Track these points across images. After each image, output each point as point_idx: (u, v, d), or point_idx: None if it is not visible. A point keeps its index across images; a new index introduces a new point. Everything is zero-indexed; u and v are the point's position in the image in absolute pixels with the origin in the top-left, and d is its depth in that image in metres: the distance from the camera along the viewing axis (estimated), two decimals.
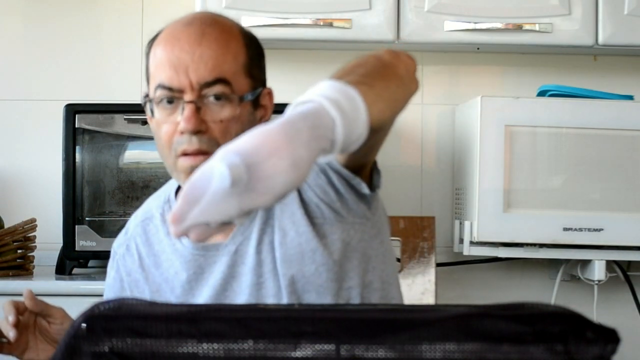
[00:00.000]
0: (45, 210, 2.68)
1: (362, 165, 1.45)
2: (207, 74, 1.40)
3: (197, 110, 1.39)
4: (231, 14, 2.54)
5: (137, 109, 2.58)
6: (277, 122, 1.03)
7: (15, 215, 2.65)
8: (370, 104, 1.12)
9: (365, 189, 1.45)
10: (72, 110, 2.52)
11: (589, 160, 2.49)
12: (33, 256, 2.58)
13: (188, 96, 1.40)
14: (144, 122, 2.53)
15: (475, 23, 2.57)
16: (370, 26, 2.55)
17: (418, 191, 2.85)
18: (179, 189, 1.56)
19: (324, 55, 2.82)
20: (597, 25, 2.58)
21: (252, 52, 1.47)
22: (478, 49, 2.76)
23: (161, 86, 1.42)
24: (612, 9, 2.57)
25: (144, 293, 1.54)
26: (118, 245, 1.60)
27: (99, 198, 2.54)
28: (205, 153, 1.38)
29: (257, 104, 1.47)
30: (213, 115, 1.40)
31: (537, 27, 2.57)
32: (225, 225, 1.00)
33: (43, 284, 2.42)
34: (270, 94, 1.50)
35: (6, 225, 2.58)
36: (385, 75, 1.27)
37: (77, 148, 2.52)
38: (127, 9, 2.85)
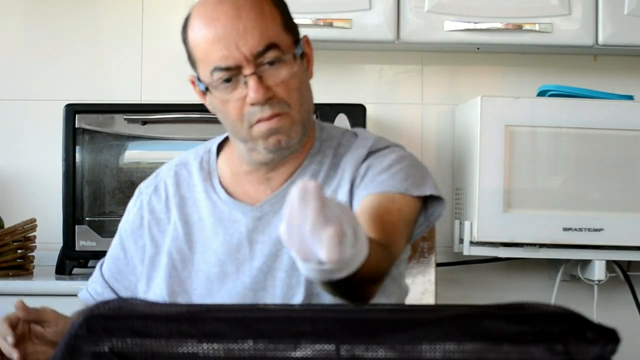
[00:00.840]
0: (45, 210, 2.68)
1: None
2: (256, 43, 1.45)
3: (260, 79, 1.45)
4: None
5: (137, 109, 2.60)
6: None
7: (15, 215, 2.65)
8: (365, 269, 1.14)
9: None
10: (72, 110, 2.52)
11: (589, 160, 2.49)
12: (33, 256, 2.58)
13: (247, 70, 1.45)
14: (144, 122, 2.53)
15: (475, 23, 2.57)
16: (370, 26, 2.55)
17: None
18: (222, 143, 1.63)
19: (324, 55, 2.82)
20: (597, 25, 2.58)
21: (282, 7, 1.52)
22: (478, 49, 2.76)
23: (217, 68, 1.46)
24: (612, 9, 2.57)
25: (165, 232, 1.59)
26: (145, 186, 1.66)
27: (99, 198, 2.54)
28: (278, 115, 1.46)
29: (302, 54, 1.53)
30: (274, 79, 1.46)
31: (537, 27, 2.57)
32: None
33: (43, 284, 2.42)
34: (308, 40, 1.56)
35: (6, 225, 2.58)
36: (383, 259, 1.32)
37: (77, 148, 2.52)
38: (127, 9, 2.85)
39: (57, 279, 2.50)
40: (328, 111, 2.47)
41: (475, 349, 0.91)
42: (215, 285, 1.53)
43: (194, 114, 2.50)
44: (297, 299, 1.50)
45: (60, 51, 2.85)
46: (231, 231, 1.54)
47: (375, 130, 2.81)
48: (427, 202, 1.52)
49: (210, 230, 1.55)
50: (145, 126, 2.53)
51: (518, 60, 2.86)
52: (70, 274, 2.54)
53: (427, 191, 1.49)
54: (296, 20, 2.51)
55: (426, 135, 2.86)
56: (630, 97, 2.61)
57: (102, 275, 1.68)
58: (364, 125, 2.53)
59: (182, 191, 1.60)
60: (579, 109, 2.48)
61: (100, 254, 2.49)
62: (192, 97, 2.78)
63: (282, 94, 1.46)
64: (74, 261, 2.55)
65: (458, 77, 2.87)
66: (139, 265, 1.61)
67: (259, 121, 1.46)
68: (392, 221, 1.41)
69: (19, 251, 2.55)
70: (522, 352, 0.91)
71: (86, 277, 2.52)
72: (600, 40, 2.58)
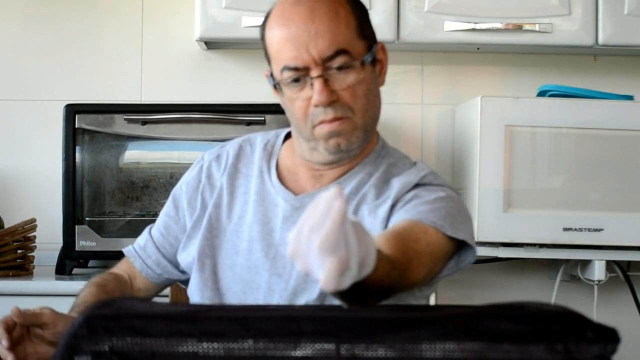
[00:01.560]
0: (45, 210, 2.68)
1: None
2: (326, 48, 1.47)
3: (326, 82, 1.48)
4: (231, 14, 2.55)
5: (137, 109, 2.59)
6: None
7: (15, 215, 2.65)
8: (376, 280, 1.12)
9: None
10: (72, 110, 2.52)
11: (589, 160, 2.49)
12: (33, 256, 2.57)
13: (314, 72, 1.48)
14: (144, 122, 2.53)
15: (475, 23, 2.57)
16: None
17: None
18: (288, 134, 1.66)
19: None
20: (597, 25, 2.58)
21: (360, 14, 1.53)
22: (478, 49, 2.76)
23: (287, 68, 1.49)
24: (612, 9, 2.57)
25: (212, 195, 1.64)
26: (209, 154, 1.70)
27: (99, 198, 2.54)
28: (340, 118, 1.49)
29: (375, 60, 1.54)
30: (340, 83, 1.49)
31: (537, 27, 2.57)
32: None
33: (43, 284, 2.42)
34: (383, 48, 1.58)
35: (6, 225, 2.58)
36: (406, 276, 1.33)
37: (77, 148, 2.52)
38: (127, 10, 2.85)
39: (57, 279, 2.50)
40: None
41: (475, 348, 0.91)
42: (239, 258, 1.58)
43: (194, 114, 2.50)
44: (312, 293, 1.52)
45: (61, 51, 2.85)
46: (270, 214, 1.58)
47: None
48: (462, 248, 1.52)
49: (252, 207, 1.60)
50: (145, 126, 2.53)
51: (518, 60, 2.86)
52: (70, 274, 2.54)
53: (462, 235, 1.49)
54: None
55: (426, 135, 2.86)
56: (630, 97, 2.61)
57: (149, 231, 1.73)
58: None
59: (240, 165, 1.65)
60: (579, 109, 2.48)
61: (100, 254, 2.52)
62: (192, 97, 2.79)
63: (346, 98, 1.49)
64: (74, 261, 2.55)
65: (458, 77, 2.87)
66: (189, 223, 1.66)
67: (321, 122, 1.50)
68: (417, 250, 1.41)
69: (19, 251, 2.55)
70: (522, 351, 0.91)
71: (86, 277, 2.53)
72: (600, 40, 2.58)
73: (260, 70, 2.83)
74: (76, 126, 2.51)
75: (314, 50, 1.46)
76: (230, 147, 1.69)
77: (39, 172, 2.81)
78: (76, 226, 2.50)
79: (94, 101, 2.70)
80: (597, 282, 2.57)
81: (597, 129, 2.48)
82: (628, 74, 2.86)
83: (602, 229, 2.47)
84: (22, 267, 2.53)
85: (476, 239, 2.47)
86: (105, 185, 2.55)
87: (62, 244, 2.53)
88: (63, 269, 2.55)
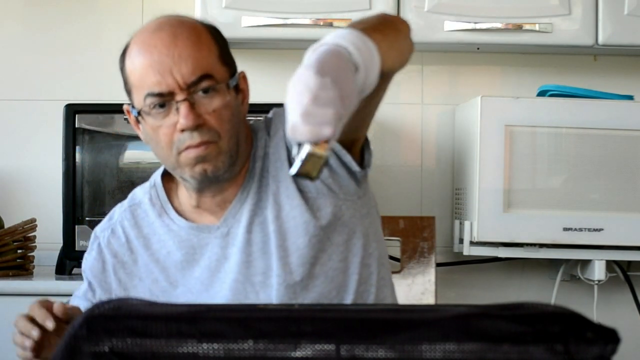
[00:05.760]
0: (45, 210, 2.68)
1: (354, 141, 1.52)
2: (190, 72, 1.45)
3: (192, 106, 1.45)
4: (231, 14, 2.55)
5: None
6: (307, 63, 1.21)
7: (15, 215, 2.65)
8: (383, 52, 1.24)
9: (355, 166, 1.52)
10: (72, 110, 2.52)
11: (589, 160, 2.49)
12: (33, 256, 2.58)
13: (179, 96, 1.45)
14: None
15: (475, 23, 2.57)
16: None
17: (418, 191, 2.85)
18: (165, 174, 1.63)
19: None
20: (597, 25, 2.58)
21: (221, 42, 1.53)
22: (478, 49, 2.76)
23: (150, 94, 1.47)
24: (612, 9, 2.57)
25: (132, 275, 1.59)
26: (101, 230, 1.64)
27: (99, 198, 2.54)
28: (207, 143, 1.47)
29: (237, 88, 1.54)
30: (206, 107, 1.47)
31: (537, 27, 2.57)
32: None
33: (43, 284, 2.42)
34: (245, 77, 1.57)
35: (6, 225, 2.58)
36: (394, 29, 1.38)
37: (77, 148, 2.52)
38: (127, 10, 2.85)
39: (57, 279, 2.50)
40: None
41: (475, 349, 0.91)
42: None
43: None
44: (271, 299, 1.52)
45: (61, 51, 2.85)
46: (207, 255, 1.55)
47: (375, 130, 2.81)
48: None
49: (185, 261, 1.56)
50: None
51: (518, 60, 2.86)
52: (70, 274, 2.54)
53: None
54: (296, 21, 2.54)
55: (426, 135, 2.86)
56: (630, 97, 2.61)
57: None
58: None
59: (145, 231, 1.60)
60: (579, 109, 2.48)
61: None
62: None
63: (212, 122, 1.47)
64: (74, 261, 2.55)
65: (458, 77, 2.87)
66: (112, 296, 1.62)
67: (187, 148, 1.47)
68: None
69: (19, 251, 2.55)
70: (522, 352, 0.91)
71: None
72: (600, 40, 2.58)
73: (261, 70, 2.84)
74: (76, 126, 2.51)
75: (178, 75, 1.44)
76: (121, 218, 1.63)
77: (39, 172, 2.81)
78: (76, 226, 2.51)
79: (94, 101, 2.69)
80: (597, 282, 2.57)
81: (597, 129, 2.48)
82: (628, 74, 2.86)
83: (602, 229, 2.47)
84: (22, 267, 2.53)
85: (476, 239, 2.49)
86: (105, 185, 2.55)
87: (62, 244, 2.53)
88: (63, 269, 2.55)
